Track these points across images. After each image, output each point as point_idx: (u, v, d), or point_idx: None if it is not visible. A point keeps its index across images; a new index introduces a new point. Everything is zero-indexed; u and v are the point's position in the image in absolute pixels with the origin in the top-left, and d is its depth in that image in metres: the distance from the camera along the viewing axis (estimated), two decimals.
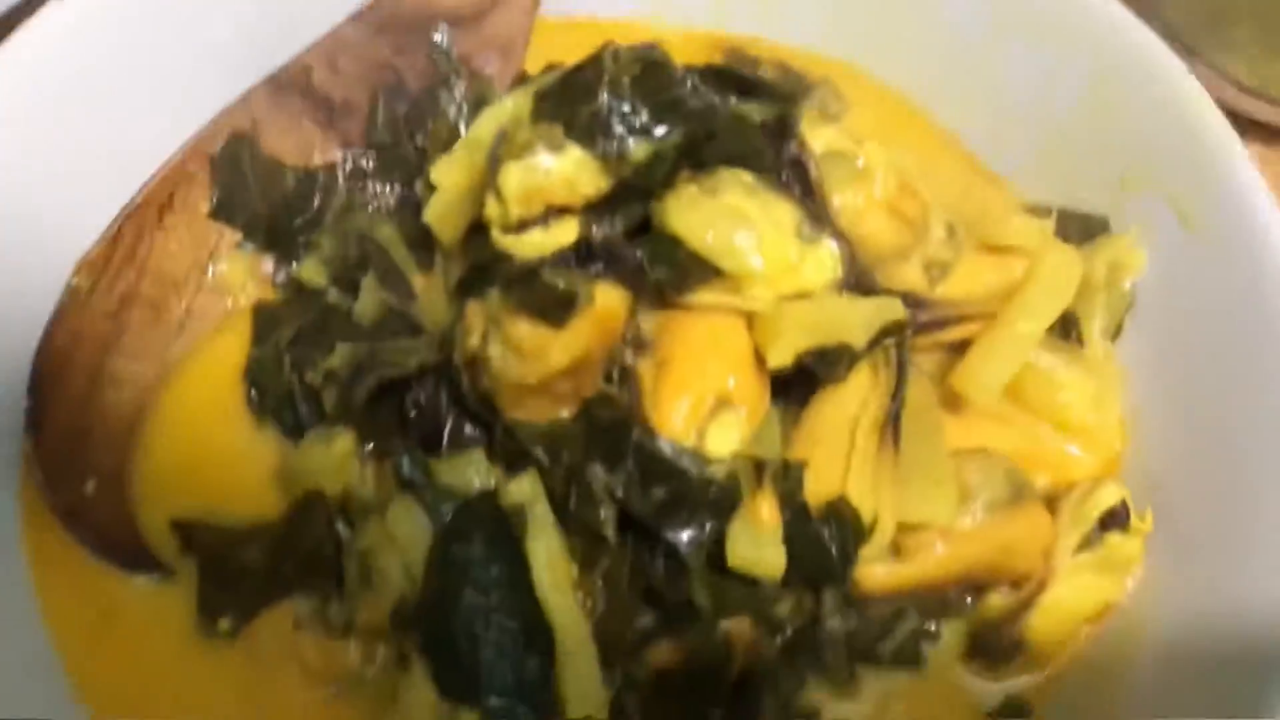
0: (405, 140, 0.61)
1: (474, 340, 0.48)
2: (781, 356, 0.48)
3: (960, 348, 0.55)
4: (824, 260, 0.50)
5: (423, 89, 0.62)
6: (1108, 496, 0.52)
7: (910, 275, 0.54)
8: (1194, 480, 0.54)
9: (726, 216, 0.49)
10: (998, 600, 0.52)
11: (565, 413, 0.49)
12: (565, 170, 0.49)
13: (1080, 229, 0.60)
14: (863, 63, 0.68)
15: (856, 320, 0.49)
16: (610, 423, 0.47)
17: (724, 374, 0.48)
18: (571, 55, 0.67)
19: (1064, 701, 0.53)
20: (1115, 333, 0.59)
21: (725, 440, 0.47)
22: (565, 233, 0.49)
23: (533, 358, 0.47)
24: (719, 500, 0.46)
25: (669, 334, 0.49)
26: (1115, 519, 0.52)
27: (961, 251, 0.55)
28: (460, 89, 0.62)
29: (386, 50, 0.62)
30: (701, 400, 0.48)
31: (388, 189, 0.61)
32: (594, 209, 0.49)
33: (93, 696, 0.51)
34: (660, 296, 0.49)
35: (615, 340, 0.49)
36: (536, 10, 0.65)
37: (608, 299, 0.48)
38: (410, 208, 0.57)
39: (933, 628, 0.53)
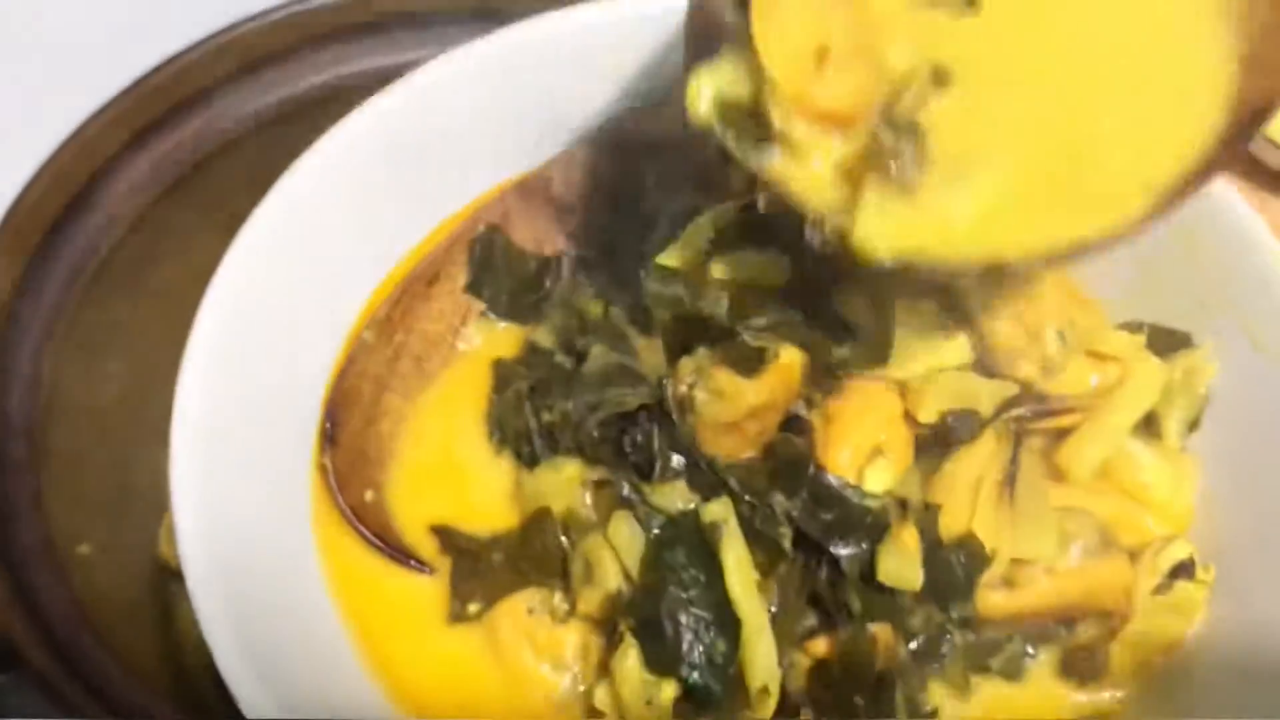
0: (621, 238, 0.76)
1: (683, 387, 0.63)
2: (928, 415, 0.62)
3: (1064, 434, 0.69)
4: (961, 347, 0.65)
5: (637, 199, 0.77)
6: (1178, 551, 0.65)
7: (1028, 370, 0.67)
8: (1251, 546, 0.67)
9: None
10: (1087, 631, 0.65)
11: (752, 452, 0.63)
12: (758, 262, 0.65)
13: (1166, 342, 0.72)
14: None
15: (984, 393, 0.64)
16: (789, 460, 0.62)
17: (879, 429, 0.63)
18: None
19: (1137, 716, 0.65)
20: (1192, 426, 0.71)
21: (879, 480, 0.61)
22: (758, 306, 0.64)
23: (729, 400, 0.62)
24: (873, 526, 0.60)
25: (836, 396, 0.64)
26: (1184, 570, 0.65)
27: (1070, 356, 0.68)
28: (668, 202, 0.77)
29: (608, 167, 0.77)
30: (861, 448, 0.62)
31: (604, 275, 0.75)
32: (783, 292, 0.65)
33: (370, 663, 0.65)
34: (830, 372, 0.64)
35: (794, 392, 0.63)
36: None
37: (790, 356, 0.63)
38: (631, 289, 0.71)
39: (1032, 650, 0.66)
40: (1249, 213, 0.72)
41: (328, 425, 0.69)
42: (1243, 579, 0.66)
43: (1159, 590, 0.65)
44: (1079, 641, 0.65)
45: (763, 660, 0.59)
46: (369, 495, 0.69)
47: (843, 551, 0.60)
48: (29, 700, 0.69)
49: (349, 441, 0.69)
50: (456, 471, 0.70)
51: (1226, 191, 0.72)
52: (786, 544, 0.61)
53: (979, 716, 0.65)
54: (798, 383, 0.63)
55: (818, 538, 0.60)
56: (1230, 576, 0.66)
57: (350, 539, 0.68)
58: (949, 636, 0.63)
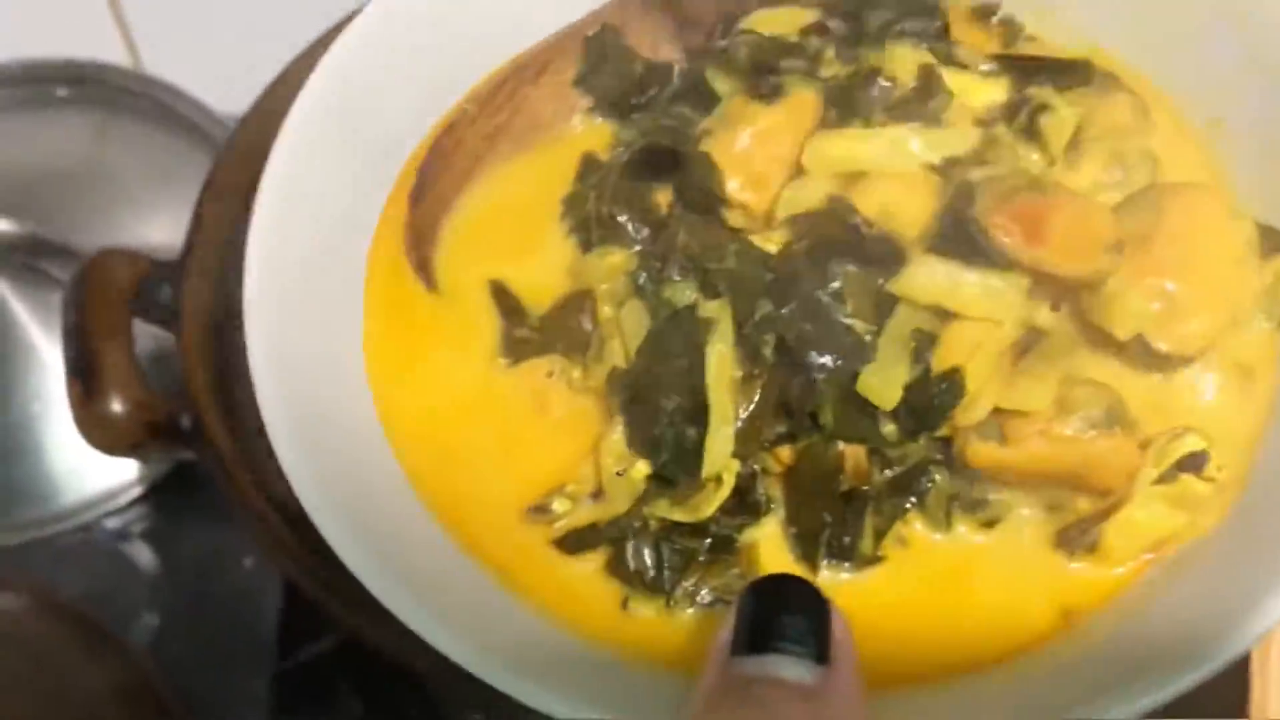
0: None
1: (705, 124, 0.70)
2: None
3: None
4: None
5: None
6: (1191, 442, 0.61)
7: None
8: None
9: None
10: (1084, 504, 0.63)
11: (766, 195, 0.67)
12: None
13: (1276, 243, 0.68)
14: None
15: None
16: (785, 275, 0.63)
17: None
18: None
19: (1120, 606, 0.63)
20: None
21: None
22: None
23: (739, 122, 0.68)
24: (854, 345, 0.61)
25: None
26: (1193, 463, 0.61)
27: None
28: None
29: None
30: None
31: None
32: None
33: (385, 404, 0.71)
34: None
35: (807, 127, 0.67)
36: None
37: (803, 93, 0.67)
38: None
39: (1029, 512, 0.64)
40: None
41: (415, 181, 0.74)
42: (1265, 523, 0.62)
43: (1163, 480, 0.62)
44: (1075, 514, 0.63)
45: (718, 450, 0.61)
46: (438, 255, 0.74)
47: (819, 361, 0.61)
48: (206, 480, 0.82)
49: (432, 202, 0.75)
50: (526, 245, 0.74)
51: None
52: (768, 349, 0.62)
53: (961, 558, 0.64)
54: (809, 123, 0.67)
55: (796, 346, 0.61)
56: (1263, 496, 0.63)
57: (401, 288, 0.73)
58: (930, 473, 0.63)
